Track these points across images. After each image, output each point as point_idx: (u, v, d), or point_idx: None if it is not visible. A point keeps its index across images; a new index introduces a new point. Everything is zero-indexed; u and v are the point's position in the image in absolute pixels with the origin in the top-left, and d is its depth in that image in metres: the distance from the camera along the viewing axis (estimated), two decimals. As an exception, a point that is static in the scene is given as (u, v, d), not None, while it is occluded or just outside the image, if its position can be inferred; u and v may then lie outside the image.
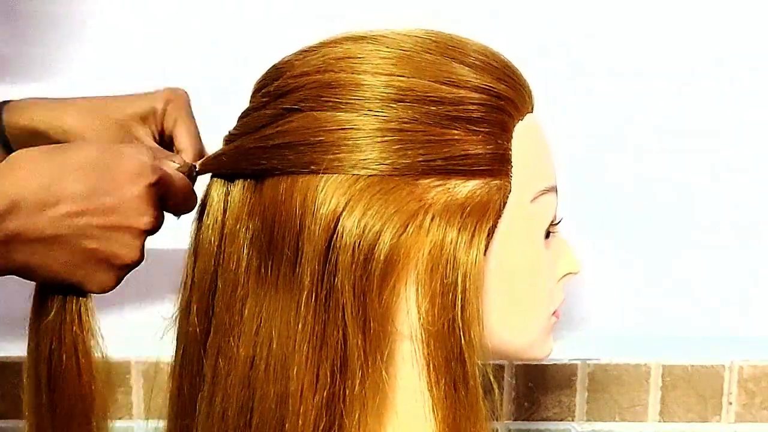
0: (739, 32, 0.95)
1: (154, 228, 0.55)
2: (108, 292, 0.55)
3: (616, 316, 1.01)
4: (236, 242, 0.56)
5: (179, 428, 0.60)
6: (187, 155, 0.63)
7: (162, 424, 0.62)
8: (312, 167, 0.52)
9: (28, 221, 0.50)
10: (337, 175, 0.51)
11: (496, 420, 0.54)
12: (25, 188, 0.49)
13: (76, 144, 0.55)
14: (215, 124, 0.61)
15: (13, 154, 0.52)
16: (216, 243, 0.57)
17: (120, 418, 0.97)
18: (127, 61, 0.94)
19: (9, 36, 0.93)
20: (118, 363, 0.96)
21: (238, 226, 0.56)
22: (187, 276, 0.59)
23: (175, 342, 0.60)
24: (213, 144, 0.61)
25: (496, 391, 0.53)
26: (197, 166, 0.59)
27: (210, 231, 0.57)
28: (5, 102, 0.66)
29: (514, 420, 0.99)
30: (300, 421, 0.51)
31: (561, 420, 0.99)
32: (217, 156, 0.58)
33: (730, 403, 0.99)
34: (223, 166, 0.57)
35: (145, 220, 0.53)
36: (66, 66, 0.93)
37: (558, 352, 0.96)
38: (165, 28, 0.93)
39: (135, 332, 0.95)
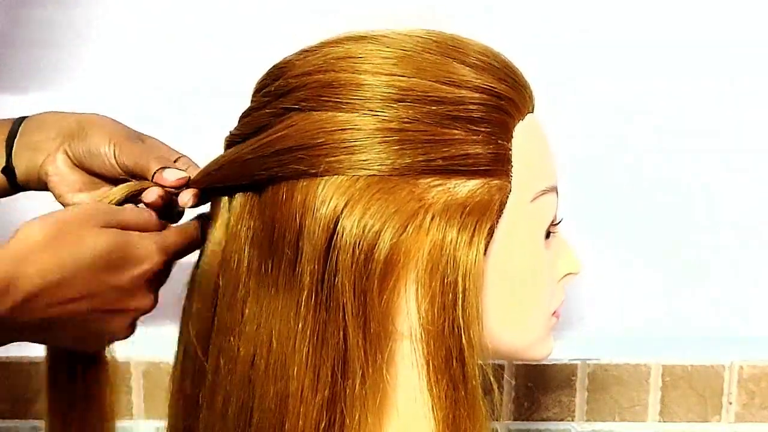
0: (739, 32, 0.95)
1: (149, 310, 0.57)
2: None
3: (616, 316, 1.01)
4: (238, 242, 0.56)
5: (182, 428, 0.60)
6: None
7: (162, 424, 0.62)
8: (312, 170, 0.52)
9: (24, 306, 0.49)
10: (337, 175, 0.51)
11: (496, 420, 0.54)
12: (27, 275, 0.49)
13: (84, 233, 0.53)
14: (214, 124, 0.62)
15: (22, 229, 0.51)
16: (218, 242, 0.57)
17: (120, 418, 0.97)
18: (128, 65, 0.94)
19: (17, 42, 0.93)
20: (117, 363, 0.96)
21: (239, 226, 0.56)
22: (190, 276, 0.59)
23: (177, 342, 0.60)
24: (214, 143, 0.61)
25: (496, 391, 0.53)
26: (190, 182, 0.59)
27: (212, 230, 0.58)
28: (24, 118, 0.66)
29: (514, 420, 0.99)
30: (300, 421, 0.51)
31: (561, 420, 0.99)
32: (212, 171, 0.57)
33: (730, 403, 0.99)
34: (220, 180, 0.57)
35: (141, 304, 0.56)
36: (71, 73, 0.94)
37: (558, 352, 0.96)
38: (165, 30, 0.93)
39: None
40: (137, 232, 0.55)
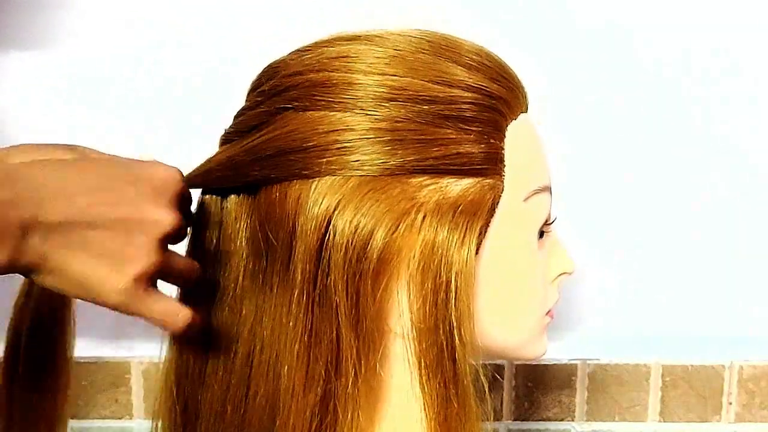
0: (737, 32, 0.95)
1: (175, 231, 0.51)
2: (124, 300, 0.50)
3: (616, 316, 1.01)
4: (233, 242, 0.56)
5: (181, 428, 0.59)
6: None
7: (162, 424, 0.61)
8: (305, 172, 0.52)
9: (46, 207, 0.46)
10: (329, 176, 0.52)
11: (493, 420, 0.54)
12: (44, 178, 0.47)
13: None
14: (211, 122, 0.62)
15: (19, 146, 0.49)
16: (214, 242, 0.57)
17: (120, 418, 0.97)
18: (117, 39, 0.93)
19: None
20: (118, 363, 0.96)
21: (234, 227, 0.56)
22: None
23: (171, 342, 0.60)
24: (211, 141, 0.61)
25: (487, 391, 0.53)
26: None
27: (207, 230, 0.58)
28: None
29: (514, 420, 0.99)
30: (291, 419, 0.51)
31: (561, 420, 0.99)
32: (205, 172, 0.57)
33: (730, 403, 0.98)
34: (213, 182, 0.57)
35: (163, 217, 0.50)
36: (55, 37, 0.94)
37: (558, 352, 0.96)
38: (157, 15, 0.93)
39: (135, 332, 0.96)
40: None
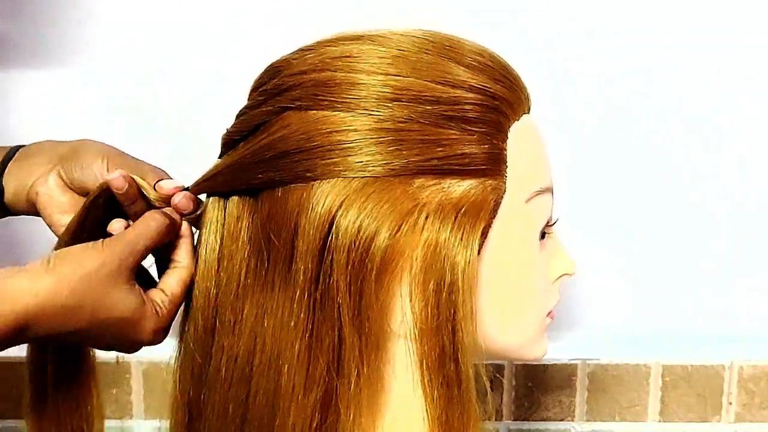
0: (736, 33, 0.95)
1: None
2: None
3: (615, 316, 1.01)
4: (236, 241, 0.56)
5: (185, 428, 0.59)
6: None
7: (161, 424, 0.62)
8: (308, 174, 0.52)
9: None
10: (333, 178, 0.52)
11: (491, 419, 0.54)
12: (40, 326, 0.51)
13: (106, 299, 0.55)
14: (213, 121, 0.62)
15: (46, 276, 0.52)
16: (217, 242, 0.57)
17: (120, 418, 0.97)
18: (131, 52, 0.94)
19: (12, 16, 0.93)
20: (117, 363, 0.96)
21: (237, 225, 0.56)
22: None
23: (178, 342, 0.60)
24: (208, 139, 0.61)
25: (489, 392, 0.53)
26: (189, 189, 0.59)
27: (210, 230, 0.58)
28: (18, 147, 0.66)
29: (514, 420, 0.99)
30: (290, 419, 0.52)
31: (561, 420, 0.99)
32: (211, 177, 0.57)
33: (730, 403, 0.99)
34: (218, 186, 0.57)
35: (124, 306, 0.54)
36: (72, 52, 0.94)
37: (558, 352, 0.96)
38: (166, 22, 0.94)
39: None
40: (151, 307, 0.56)
